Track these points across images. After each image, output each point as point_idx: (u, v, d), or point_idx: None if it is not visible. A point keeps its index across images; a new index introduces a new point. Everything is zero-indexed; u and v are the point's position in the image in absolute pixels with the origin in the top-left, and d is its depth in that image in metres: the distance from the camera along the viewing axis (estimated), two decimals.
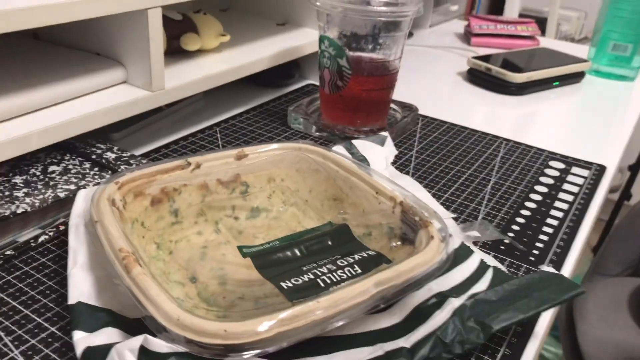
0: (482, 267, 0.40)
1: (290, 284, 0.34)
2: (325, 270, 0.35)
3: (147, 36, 0.49)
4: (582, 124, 0.72)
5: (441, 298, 0.35)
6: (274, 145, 0.46)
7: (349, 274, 0.35)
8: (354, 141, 0.55)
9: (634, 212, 1.03)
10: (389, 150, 0.56)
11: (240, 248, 0.39)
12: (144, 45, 0.50)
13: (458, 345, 0.33)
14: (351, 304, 0.31)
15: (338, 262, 0.36)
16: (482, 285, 0.38)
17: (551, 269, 0.39)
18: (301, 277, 0.35)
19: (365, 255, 0.37)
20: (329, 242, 0.39)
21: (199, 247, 0.40)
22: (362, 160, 0.52)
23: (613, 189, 0.86)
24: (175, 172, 0.42)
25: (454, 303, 0.35)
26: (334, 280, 0.34)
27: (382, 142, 0.56)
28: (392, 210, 0.40)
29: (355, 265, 0.36)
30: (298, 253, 0.38)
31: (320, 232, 0.41)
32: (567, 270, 0.45)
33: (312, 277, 0.34)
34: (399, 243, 0.39)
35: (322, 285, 0.34)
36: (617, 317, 0.89)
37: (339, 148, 0.53)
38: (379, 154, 0.54)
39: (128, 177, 0.39)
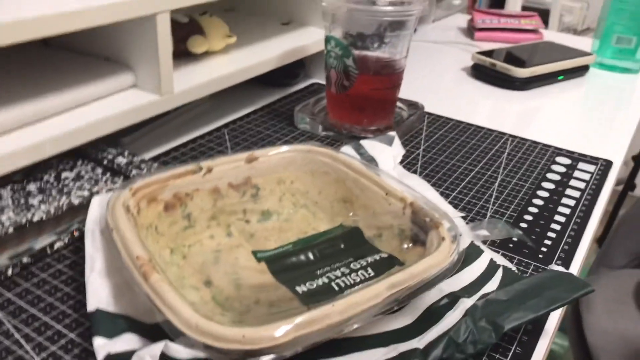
0: (492, 267, 0.40)
1: (305, 289, 0.35)
2: (339, 274, 0.36)
3: (155, 41, 0.50)
4: (587, 118, 0.72)
5: (453, 298, 0.36)
6: (284, 148, 0.47)
7: (363, 277, 0.36)
8: (362, 142, 0.55)
9: (638, 203, 1.04)
10: (397, 150, 0.56)
11: (254, 253, 0.40)
12: (153, 50, 0.50)
13: (470, 346, 0.33)
14: (366, 306, 0.31)
15: (351, 266, 0.37)
16: (492, 285, 0.39)
17: (561, 268, 0.40)
18: (315, 281, 0.35)
19: (378, 257, 0.38)
20: (342, 246, 0.40)
21: (212, 251, 0.41)
22: (370, 160, 0.53)
23: (618, 182, 0.87)
24: (187, 177, 0.42)
25: (466, 303, 0.35)
26: (348, 284, 0.35)
27: (390, 142, 0.56)
28: (403, 212, 0.40)
29: (368, 268, 0.37)
30: (311, 257, 0.39)
31: (333, 236, 0.41)
32: (575, 265, 0.45)
33: (326, 281, 0.35)
34: (410, 245, 0.39)
35: (337, 289, 0.34)
36: (624, 309, 0.90)
37: (348, 149, 0.54)
38: (387, 153, 0.54)
39: (141, 183, 0.40)
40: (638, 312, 0.89)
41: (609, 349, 0.85)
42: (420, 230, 0.39)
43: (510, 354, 0.36)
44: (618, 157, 0.62)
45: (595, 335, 0.87)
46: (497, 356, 0.36)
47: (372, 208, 0.43)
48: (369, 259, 0.38)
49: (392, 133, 0.58)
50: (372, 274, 0.36)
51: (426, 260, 0.34)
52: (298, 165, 0.47)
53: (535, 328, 0.38)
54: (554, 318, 0.39)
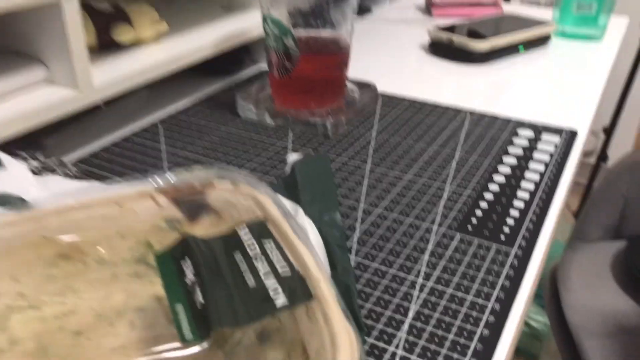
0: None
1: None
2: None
3: (65, 32, 0.44)
4: (550, 88, 0.69)
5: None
6: None
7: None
8: None
9: (611, 175, 1.01)
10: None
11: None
12: (63, 41, 0.45)
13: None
14: None
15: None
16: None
17: (295, 155, 0.43)
18: None
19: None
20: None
21: None
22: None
23: (587, 153, 0.84)
24: None
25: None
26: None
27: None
28: (157, 204, 0.35)
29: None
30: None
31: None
32: (544, 239, 0.42)
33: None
34: (192, 223, 0.35)
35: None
36: (601, 283, 0.87)
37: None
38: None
39: None
40: (616, 284, 0.87)
41: (588, 327, 0.82)
42: (185, 207, 0.35)
43: (482, 323, 0.34)
44: (583, 127, 0.59)
45: (575, 313, 0.85)
46: (469, 327, 0.32)
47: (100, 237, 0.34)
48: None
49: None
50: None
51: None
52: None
53: (508, 295, 0.35)
54: (527, 286, 0.36)
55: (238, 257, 0.30)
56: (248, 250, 0.31)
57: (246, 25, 0.65)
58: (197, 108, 0.61)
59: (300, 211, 0.38)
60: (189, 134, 0.55)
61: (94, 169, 0.48)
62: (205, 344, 0.28)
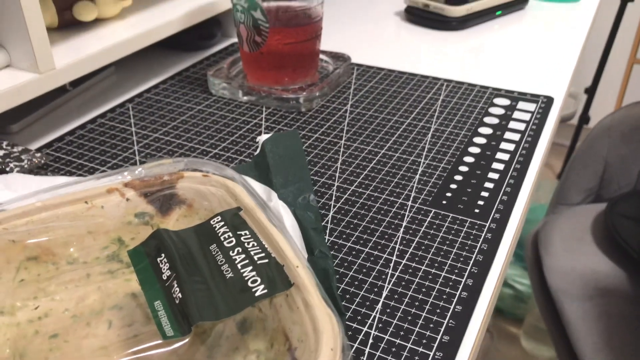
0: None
1: None
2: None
3: (20, 12, 0.42)
4: (527, 54, 0.68)
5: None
6: None
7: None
8: None
9: (591, 137, 1.01)
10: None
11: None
12: (20, 23, 0.43)
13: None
14: None
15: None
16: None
17: (265, 135, 0.43)
18: None
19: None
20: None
21: None
22: None
23: (566, 118, 0.83)
24: None
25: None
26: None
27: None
28: (125, 198, 0.33)
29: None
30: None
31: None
32: (521, 203, 0.42)
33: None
34: (163, 217, 0.34)
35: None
36: (581, 247, 0.88)
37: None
38: None
39: None
40: (596, 247, 0.88)
41: (569, 290, 0.83)
42: (158, 201, 0.34)
43: (460, 286, 0.34)
44: (560, 92, 0.58)
45: (555, 276, 0.86)
46: (448, 290, 0.33)
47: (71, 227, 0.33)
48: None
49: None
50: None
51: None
52: None
53: (481, 269, 0.35)
54: (500, 259, 0.36)
55: (213, 248, 0.30)
56: (223, 241, 0.30)
57: None
58: (167, 86, 0.59)
59: (274, 195, 0.37)
60: (159, 113, 0.54)
61: (61, 154, 0.47)
62: (186, 339, 0.28)
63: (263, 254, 0.29)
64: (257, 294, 0.27)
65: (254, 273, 0.28)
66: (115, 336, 0.29)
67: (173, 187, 0.34)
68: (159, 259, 0.29)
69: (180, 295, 0.27)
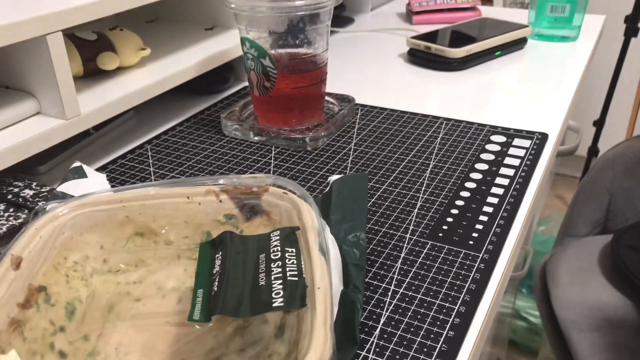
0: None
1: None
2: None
3: (50, 63, 0.47)
4: (525, 92, 0.71)
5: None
6: (31, 228, 0.36)
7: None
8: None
9: (594, 170, 1.03)
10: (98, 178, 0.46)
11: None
12: (50, 73, 0.48)
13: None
14: None
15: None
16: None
17: (336, 176, 0.44)
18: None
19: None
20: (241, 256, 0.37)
21: None
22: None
23: (569, 151, 0.86)
24: None
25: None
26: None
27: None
28: (219, 200, 0.39)
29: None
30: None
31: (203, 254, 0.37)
32: (514, 234, 0.44)
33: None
34: (247, 222, 0.39)
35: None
36: (589, 278, 0.89)
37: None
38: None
39: None
40: (603, 279, 0.89)
41: (578, 321, 0.84)
42: (249, 207, 0.39)
43: (453, 313, 0.37)
44: (554, 128, 0.61)
45: (563, 307, 0.87)
46: (441, 316, 0.36)
47: (179, 218, 0.39)
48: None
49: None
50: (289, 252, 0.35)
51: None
52: (66, 236, 0.37)
53: (478, 287, 0.38)
54: (494, 280, 0.39)
55: (262, 257, 0.34)
56: (271, 253, 0.34)
57: (228, 45, 0.67)
58: (183, 128, 0.63)
59: (327, 229, 0.40)
60: (176, 154, 0.57)
61: None
62: (210, 325, 0.33)
63: (296, 272, 0.32)
64: (274, 305, 0.30)
65: (281, 286, 0.32)
66: (179, 310, 0.36)
67: (258, 198, 0.38)
68: (216, 256, 0.35)
69: (216, 289, 0.32)
